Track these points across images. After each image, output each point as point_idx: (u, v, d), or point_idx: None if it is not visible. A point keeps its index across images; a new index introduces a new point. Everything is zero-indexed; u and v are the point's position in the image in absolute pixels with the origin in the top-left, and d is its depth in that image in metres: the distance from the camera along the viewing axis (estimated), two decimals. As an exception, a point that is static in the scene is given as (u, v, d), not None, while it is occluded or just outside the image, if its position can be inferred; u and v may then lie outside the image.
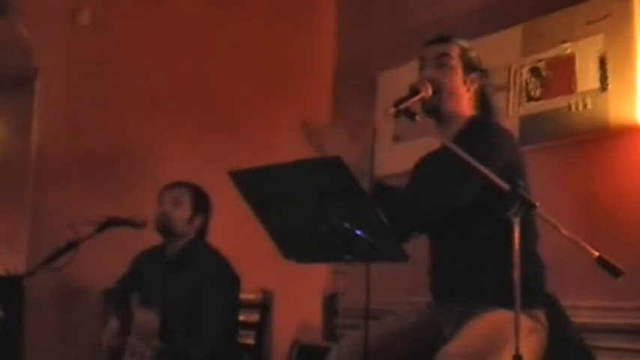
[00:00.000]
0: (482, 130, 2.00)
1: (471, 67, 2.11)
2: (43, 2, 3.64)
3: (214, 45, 4.05)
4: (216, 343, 2.59)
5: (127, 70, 3.80)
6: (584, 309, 2.65)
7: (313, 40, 4.46)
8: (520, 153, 2.06)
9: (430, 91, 1.99)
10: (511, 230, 1.51)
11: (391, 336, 2.02)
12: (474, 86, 2.11)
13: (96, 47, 3.71)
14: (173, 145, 3.82)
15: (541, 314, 1.92)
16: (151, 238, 2.85)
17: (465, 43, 2.13)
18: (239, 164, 1.74)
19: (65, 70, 3.64)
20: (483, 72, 2.14)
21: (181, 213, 2.78)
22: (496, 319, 1.82)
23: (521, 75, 3.25)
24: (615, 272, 1.54)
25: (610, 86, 2.90)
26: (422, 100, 1.97)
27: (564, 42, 3.09)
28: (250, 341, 2.87)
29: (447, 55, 2.08)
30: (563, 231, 1.56)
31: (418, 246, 1.98)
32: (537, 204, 1.55)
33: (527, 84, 3.22)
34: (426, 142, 2.20)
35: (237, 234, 3.07)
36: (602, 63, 2.94)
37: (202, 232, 2.85)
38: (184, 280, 2.70)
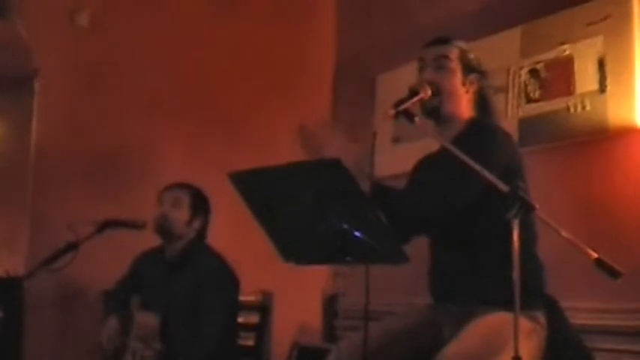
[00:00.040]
0: (481, 132, 2.01)
1: (470, 68, 2.11)
2: (42, 3, 3.64)
3: (214, 45, 4.05)
4: (215, 345, 2.59)
5: (126, 70, 3.79)
6: (583, 310, 2.64)
7: (313, 40, 4.46)
8: (519, 154, 2.06)
9: (429, 93, 1.99)
10: (510, 231, 1.52)
11: (391, 337, 2.02)
12: (473, 88, 2.12)
13: (95, 47, 3.70)
14: (173, 145, 3.82)
15: (540, 315, 1.92)
16: (150, 240, 2.85)
17: (464, 45, 2.13)
18: (238, 165, 1.74)
19: (65, 71, 3.64)
20: (482, 73, 2.14)
21: (180, 214, 2.78)
22: (495, 320, 1.82)
23: (520, 76, 3.25)
24: (614, 274, 1.54)
25: (609, 88, 2.90)
26: (421, 101, 1.98)
27: (563, 43, 3.09)
28: (250, 343, 2.88)
29: (446, 56, 2.08)
30: (562, 232, 1.56)
31: (418, 247, 1.98)
32: (537, 205, 1.55)
33: (526, 85, 3.22)
34: (425, 143, 2.20)
35: (237, 235, 3.07)
36: (601, 65, 2.93)
37: (202, 233, 2.85)
38: (184, 282, 2.69)
